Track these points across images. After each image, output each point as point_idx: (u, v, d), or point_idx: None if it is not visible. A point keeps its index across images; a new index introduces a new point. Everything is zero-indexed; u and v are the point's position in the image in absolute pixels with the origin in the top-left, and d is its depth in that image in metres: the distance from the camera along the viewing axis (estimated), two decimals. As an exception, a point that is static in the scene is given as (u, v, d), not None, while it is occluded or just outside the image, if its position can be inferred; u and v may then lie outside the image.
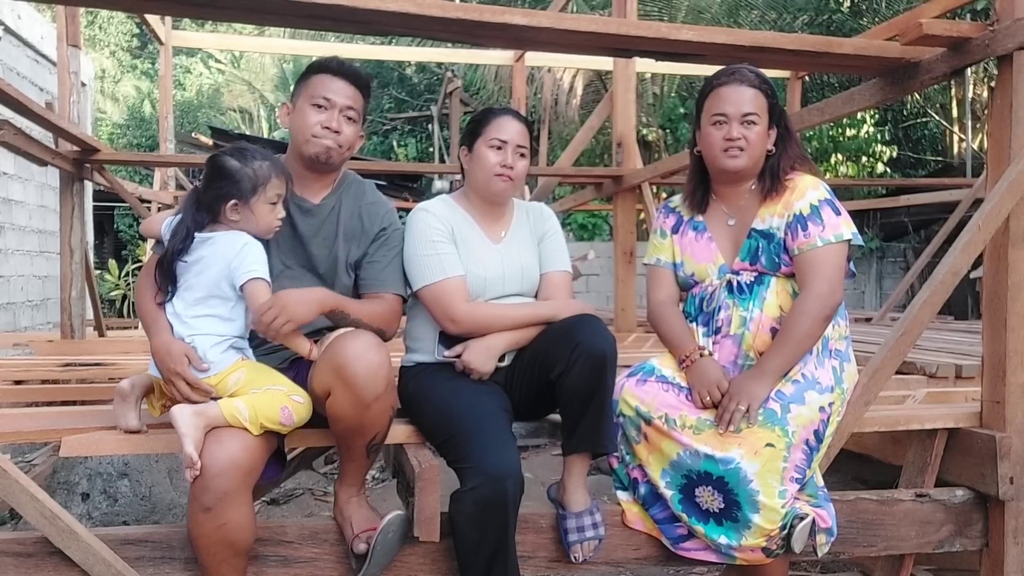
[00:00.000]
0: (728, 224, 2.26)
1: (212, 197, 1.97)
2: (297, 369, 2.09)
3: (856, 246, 2.15)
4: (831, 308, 2.07)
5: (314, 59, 2.13)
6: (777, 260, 2.16)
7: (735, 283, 2.19)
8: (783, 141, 2.21)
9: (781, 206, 2.16)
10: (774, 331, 2.12)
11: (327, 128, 2.11)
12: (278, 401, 1.90)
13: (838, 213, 2.13)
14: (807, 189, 2.15)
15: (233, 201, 1.96)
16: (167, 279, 1.96)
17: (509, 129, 2.23)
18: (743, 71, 2.19)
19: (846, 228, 2.12)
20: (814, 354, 2.10)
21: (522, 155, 2.25)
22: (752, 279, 2.18)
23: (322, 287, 2.10)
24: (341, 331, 1.99)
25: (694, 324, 2.24)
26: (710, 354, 2.16)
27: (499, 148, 2.22)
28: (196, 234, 1.96)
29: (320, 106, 2.11)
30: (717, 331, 2.19)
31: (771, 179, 2.19)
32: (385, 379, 1.87)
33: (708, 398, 2.06)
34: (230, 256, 1.94)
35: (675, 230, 2.34)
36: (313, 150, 2.12)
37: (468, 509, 1.89)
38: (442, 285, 2.16)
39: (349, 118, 2.15)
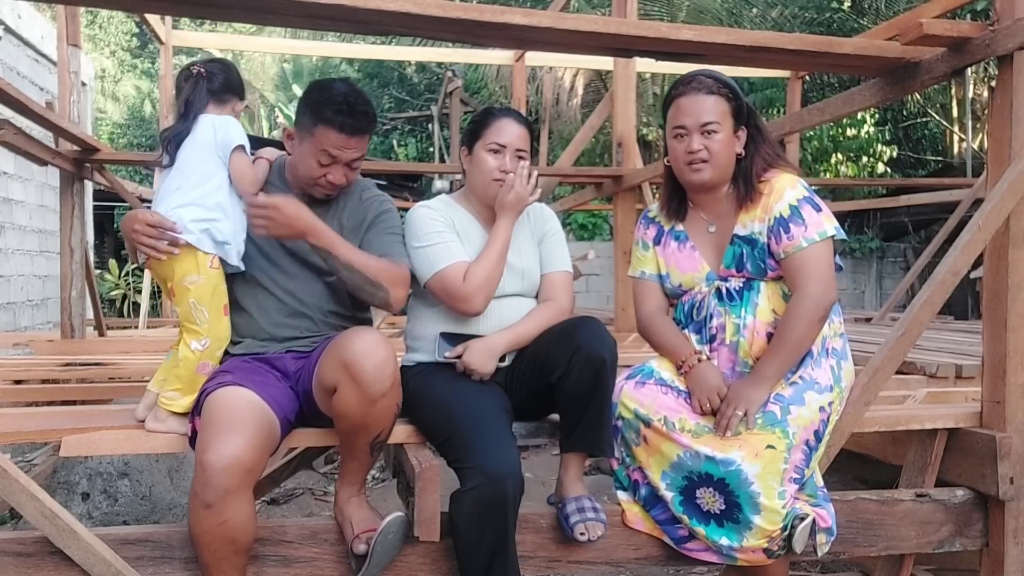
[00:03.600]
0: (709, 231, 2.22)
1: (228, 94, 2.18)
2: (301, 367, 2.10)
3: (839, 240, 2.11)
4: (825, 308, 2.06)
5: (325, 94, 2.10)
6: (763, 265, 2.13)
7: (724, 290, 2.17)
8: (754, 142, 2.17)
9: (760, 210, 2.12)
10: (770, 336, 2.10)
11: (330, 182, 2.13)
12: (195, 383, 2.02)
13: (819, 210, 2.09)
14: (784, 189, 2.11)
15: (239, 101, 2.21)
16: (170, 150, 2.09)
17: (508, 132, 2.22)
18: (699, 78, 2.14)
19: (828, 224, 2.08)
20: (812, 354, 2.09)
21: (521, 159, 2.23)
22: (741, 285, 2.15)
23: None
24: (350, 329, 1.99)
25: (686, 331, 2.22)
26: (708, 358, 2.14)
27: (498, 152, 2.22)
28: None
29: (324, 164, 2.11)
30: (712, 339, 2.16)
31: (745, 184, 2.14)
32: (391, 376, 1.87)
33: (708, 405, 2.05)
34: (216, 130, 2.10)
35: (657, 241, 2.31)
36: (317, 194, 2.17)
37: (468, 509, 1.89)
38: (451, 269, 2.15)
39: (353, 168, 2.15)
